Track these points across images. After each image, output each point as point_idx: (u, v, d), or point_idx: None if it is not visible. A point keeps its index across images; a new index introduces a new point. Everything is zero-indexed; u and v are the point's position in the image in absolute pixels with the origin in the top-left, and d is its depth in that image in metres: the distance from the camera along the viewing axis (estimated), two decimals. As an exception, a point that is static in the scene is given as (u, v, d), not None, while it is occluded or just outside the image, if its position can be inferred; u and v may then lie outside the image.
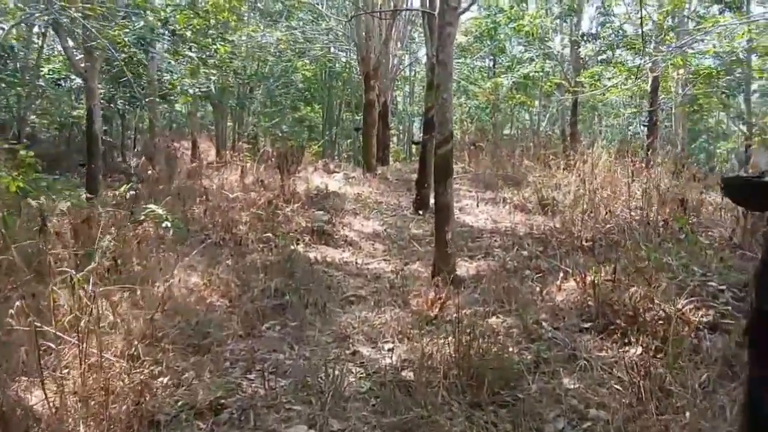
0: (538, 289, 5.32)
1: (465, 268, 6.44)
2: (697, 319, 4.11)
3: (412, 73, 25.74)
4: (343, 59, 21.87)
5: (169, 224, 6.05)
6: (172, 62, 12.89)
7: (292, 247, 6.92)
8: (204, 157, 16.20)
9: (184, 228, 6.94)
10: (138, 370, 3.46)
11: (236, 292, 5.39)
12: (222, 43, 11.65)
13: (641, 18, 9.03)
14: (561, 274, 5.36)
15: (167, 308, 4.55)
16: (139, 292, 4.55)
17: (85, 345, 3.28)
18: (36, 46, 15.45)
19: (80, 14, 7.56)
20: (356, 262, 6.95)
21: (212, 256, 6.35)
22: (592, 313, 4.58)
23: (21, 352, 3.45)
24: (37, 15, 9.40)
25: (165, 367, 3.67)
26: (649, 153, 10.47)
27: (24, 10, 9.63)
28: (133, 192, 7.54)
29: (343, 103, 24.74)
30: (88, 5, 7.60)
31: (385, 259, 7.20)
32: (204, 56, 11.32)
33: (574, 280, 5.14)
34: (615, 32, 15.72)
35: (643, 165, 9.02)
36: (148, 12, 9.58)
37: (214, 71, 12.25)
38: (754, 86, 18.06)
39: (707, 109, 19.51)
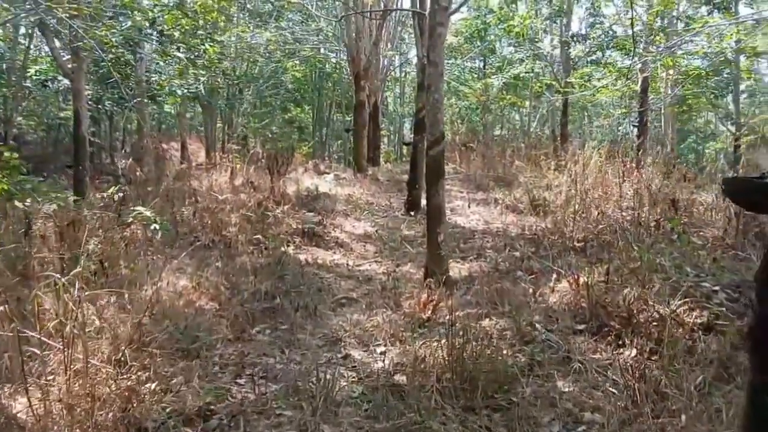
0: (531, 290, 5.28)
1: (457, 269, 6.40)
2: (691, 321, 4.08)
3: (403, 74, 25.71)
4: (333, 60, 21.80)
5: (157, 226, 5.97)
6: (161, 63, 12.79)
7: (283, 249, 6.85)
8: (193, 159, 16.13)
9: (173, 230, 6.86)
10: (125, 376, 3.39)
11: (226, 295, 5.32)
12: (211, 44, 11.55)
13: (632, 18, 9.03)
14: (554, 276, 5.32)
15: (155, 312, 4.46)
16: (126, 296, 4.47)
17: (70, 350, 3.20)
18: (23, 46, 15.29)
19: (67, 14, 7.46)
20: (347, 264, 6.89)
21: (201, 259, 6.27)
22: (585, 314, 4.55)
23: (5, 359, 3.37)
24: (22, 15, 9.29)
25: (153, 373, 3.59)
26: (639, 153, 10.48)
27: (9, 11, 9.50)
28: (121, 194, 7.44)
29: (334, 104, 24.66)
30: (75, 5, 7.50)
31: (376, 261, 7.15)
32: (193, 57, 11.22)
33: (567, 281, 5.11)
34: (605, 33, 15.77)
35: (634, 165, 9.02)
36: (135, 12, 9.46)
37: (203, 72, 12.15)
38: (742, 86, 18.19)
39: (696, 110, 19.64)
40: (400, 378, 3.81)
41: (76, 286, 3.45)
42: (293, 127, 23.78)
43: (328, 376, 3.67)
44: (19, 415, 3.07)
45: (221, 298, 5.23)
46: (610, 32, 15.70)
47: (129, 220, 6.21)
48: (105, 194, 7.58)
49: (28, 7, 8.12)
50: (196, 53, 11.32)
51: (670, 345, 3.71)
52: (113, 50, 9.23)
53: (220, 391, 3.66)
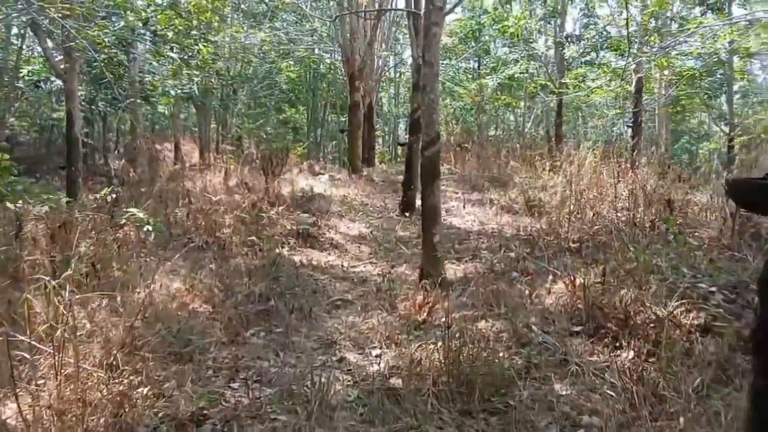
0: (527, 291, 5.25)
1: (452, 270, 6.36)
2: (688, 322, 4.06)
3: (397, 75, 25.70)
4: (328, 60, 21.74)
5: (150, 228, 5.92)
6: (154, 63, 12.72)
7: (277, 251, 6.81)
8: (187, 160, 16.05)
9: (166, 232, 6.81)
10: (117, 381, 3.33)
11: (219, 297, 5.27)
12: (205, 44, 11.49)
13: (627, 19, 9.03)
14: (550, 277, 5.30)
15: (148, 315, 4.41)
16: (118, 299, 4.42)
17: (61, 355, 3.15)
18: (15, 47, 15.19)
19: (59, 14, 7.39)
20: (342, 266, 6.85)
21: (195, 261, 6.22)
22: (582, 316, 4.52)
23: (-6, 363, 3.32)
24: (14, 15, 9.20)
25: (145, 377, 3.53)
26: (634, 154, 10.47)
27: (1, 10, 9.42)
28: (114, 195, 7.38)
29: (328, 105, 24.62)
30: (67, 5, 7.43)
31: (371, 262, 7.11)
32: (186, 57, 11.16)
33: (563, 282, 5.08)
34: (598, 34, 15.78)
35: (629, 166, 9.01)
36: (128, 12, 9.40)
37: (197, 72, 12.08)
38: (735, 87, 18.22)
39: (690, 110, 19.70)
40: (395, 381, 3.77)
41: (67, 289, 3.39)
42: (288, 128, 23.74)
43: (323, 380, 3.62)
44: (8, 421, 3.02)
45: (215, 301, 5.18)
46: (604, 33, 15.72)
47: (122, 222, 6.16)
48: (98, 195, 7.53)
49: (20, 6, 8.05)
50: (190, 53, 11.26)
51: (668, 347, 3.68)
52: (106, 50, 9.17)
53: (213, 396, 3.61)
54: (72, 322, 3.32)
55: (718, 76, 16.57)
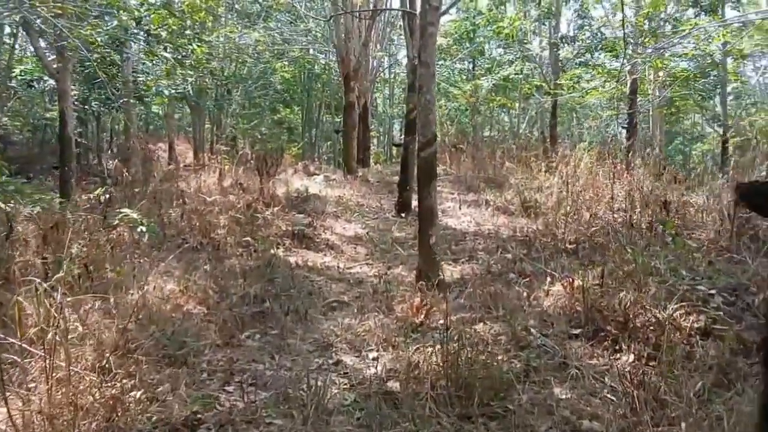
0: (524, 293, 5.21)
1: (449, 271, 6.31)
2: (688, 325, 4.02)
3: (392, 75, 25.66)
4: (323, 61, 21.70)
5: (144, 228, 5.87)
6: (148, 63, 12.62)
7: (272, 252, 6.75)
8: (181, 160, 15.97)
9: (160, 232, 6.74)
10: (109, 384, 3.28)
11: (214, 299, 5.21)
12: (199, 44, 11.40)
13: (623, 20, 9.01)
14: (548, 279, 5.26)
15: (141, 317, 4.35)
16: (111, 301, 4.35)
17: (52, 358, 3.08)
18: (7, 46, 15.07)
19: (51, 13, 7.31)
20: (338, 267, 6.80)
21: (189, 262, 6.16)
22: (581, 318, 4.48)
23: (-17, 367, 3.25)
24: (5, 14, 9.10)
25: (138, 380, 3.48)
26: (629, 155, 10.46)
27: (-8, 9, 9.32)
28: (108, 195, 7.32)
29: (323, 105, 24.56)
30: (59, 3, 7.35)
31: (367, 263, 7.06)
32: (180, 57, 11.07)
33: (562, 284, 5.04)
34: (593, 35, 15.79)
35: (624, 167, 8.99)
36: (121, 11, 9.31)
37: (191, 72, 12.00)
38: (729, 88, 18.28)
39: (684, 111, 19.76)
40: (393, 385, 3.72)
41: (59, 291, 3.34)
42: (282, 128, 23.68)
43: (319, 383, 3.58)
44: (-2, 426, 2.96)
45: (209, 302, 5.12)
46: (599, 34, 15.73)
47: (115, 223, 6.11)
48: (91, 196, 7.46)
49: (11, 5, 7.96)
50: (184, 53, 11.16)
51: (668, 350, 3.65)
52: (99, 50, 9.08)
53: (207, 399, 3.56)
54: (64, 325, 3.26)
55: (712, 77, 16.63)
